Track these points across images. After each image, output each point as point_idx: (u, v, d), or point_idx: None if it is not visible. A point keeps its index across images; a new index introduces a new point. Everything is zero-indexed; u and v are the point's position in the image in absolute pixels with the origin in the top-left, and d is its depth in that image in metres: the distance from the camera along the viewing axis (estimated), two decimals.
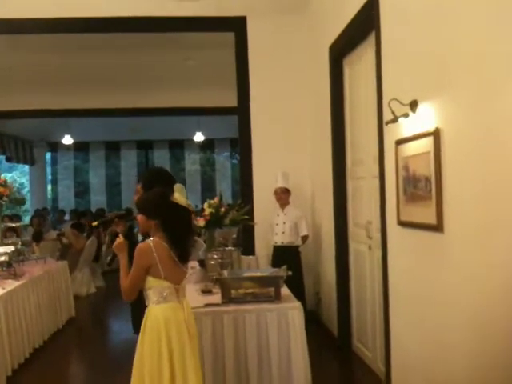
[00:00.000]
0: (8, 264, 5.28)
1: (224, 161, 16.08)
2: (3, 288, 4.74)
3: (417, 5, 3.11)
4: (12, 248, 5.34)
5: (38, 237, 7.86)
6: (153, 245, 2.77)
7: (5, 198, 5.61)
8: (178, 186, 3.04)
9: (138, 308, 2.96)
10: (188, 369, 2.76)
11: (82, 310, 7.18)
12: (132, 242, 3.01)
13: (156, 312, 2.78)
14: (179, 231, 2.84)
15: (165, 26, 6.09)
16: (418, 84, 3.08)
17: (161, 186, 3.06)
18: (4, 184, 5.56)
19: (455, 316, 2.74)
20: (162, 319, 2.76)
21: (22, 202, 6.36)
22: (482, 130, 2.43)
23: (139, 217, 2.89)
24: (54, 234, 9.15)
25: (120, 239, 2.93)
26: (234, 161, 15.99)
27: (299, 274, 5.49)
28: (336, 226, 5.16)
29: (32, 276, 5.42)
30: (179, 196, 2.95)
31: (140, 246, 2.81)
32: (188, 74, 8.30)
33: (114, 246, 2.94)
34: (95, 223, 3.65)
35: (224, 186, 14.62)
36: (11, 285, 4.91)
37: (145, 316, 2.83)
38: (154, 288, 2.79)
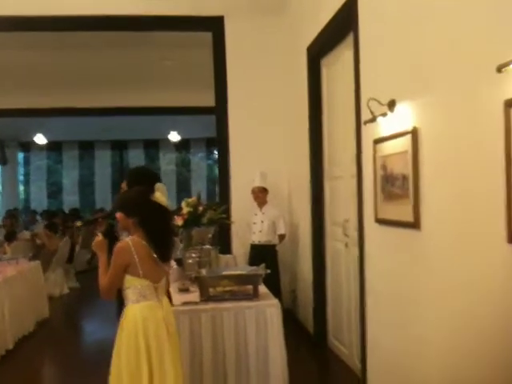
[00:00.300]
0: None
1: (199, 161, 16.03)
2: None
3: (394, 6, 3.17)
4: None
5: (10, 237, 7.72)
6: (132, 243, 2.75)
7: None
8: (159, 186, 3.01)
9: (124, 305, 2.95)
10: (166, 366, 2.75)
11: (56, 310, 7.06)
12: (112, 241, 2.97)
13: (134, 311, 2.76)
14: (159, 230, 2.83)
15: (140, 24, 6.04)
16: (395, 84, 3.14)
17: (146, 184, 3.04)
18: None
19: (431, 313, 2.79)
20: (139, 318, 2.74)
21: None
22: (459, 129, 2.49)
23: (118, 214, 2.87)
24: (26, 234, 8.98)
25: (99, 237, 2.90)
26: (210, 161, 15.97)
27: (276, 272, 5.50)
28: (313, 224, 5.20)
29: (5, 276, 5.33)
30: (160, 195, 2.93)
31: (119, 244, 2.78)
32: (164, 74, 8.26)
33: (93, 244, 2.91)
34: (79, 223, 3.64)
35: (199, 187, 14.55)
36: None
37: (123, 315, 2.81)
38: (133, 287, 2.76)
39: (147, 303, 2.77)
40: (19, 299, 5.64)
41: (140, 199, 2.86)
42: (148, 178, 3.36)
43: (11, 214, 11.56)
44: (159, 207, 2.88)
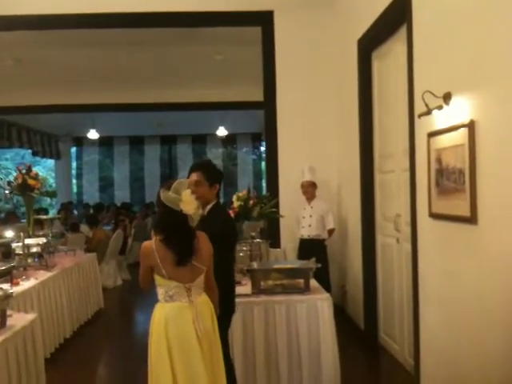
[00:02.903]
0: (39, 255, 5.40)
1: (245, 156, 16.13)
2: (36, 278, 4.84)
3: None
4: (44, 240, 5.45)
5: (74, 228, 8.08)
6: (155, 246, 2.70)
7: (36, 191, 5.72)
8: (183, 183, 2.75)
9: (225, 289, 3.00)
10: (194, 369, 2.67)
11: (110, 301, 7.28)
12: None
13: (159, 310, 2.75)
14: (165, 231, 2.71)
15: (190, 20, 6.14)
16: (451, 76, 3.08)
17: (218, 181, 3.13)
18: (35, 177, 5.67)
19: (488, 311, 2.74)
20: (163, 318, 2.71)
21: (53, 194, 6.48)
22: None
23: None
24: (83, 227, 9.28)
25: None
26: (254, 156, 16.05)
27: (325, 267, 5.49)
28: (363, 219, 5.17)
29: (63, 267, 5.53)
30: (186, 194, 2.68)
31: (144, 244, 2.78)
32: (214, 69, 8.34)
33: None
34: None
35: (245, 181, 14.66)
36: (43, 275, 5.01)
37: (153, 313, 2.81)
38: (160, 286, 2.75)
39: (174, 304, 2.72)
40: (76, 290, 5.85)
41: (158, 195, 2.75)
42: (220, 174, 3.29)
43: (66, 207, 11.96)
44: (171, 211, 2.67)
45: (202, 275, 2.77)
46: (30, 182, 5.63)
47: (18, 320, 3.34)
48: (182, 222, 2.68)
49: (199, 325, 2.70)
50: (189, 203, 2.66)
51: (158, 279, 2.73)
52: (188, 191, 2.69)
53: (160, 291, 2.76)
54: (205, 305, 2.81)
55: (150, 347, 2.78)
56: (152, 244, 2.72)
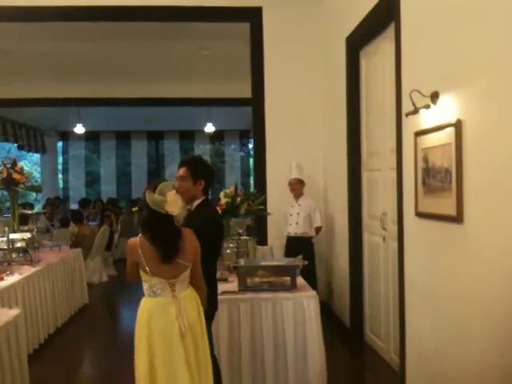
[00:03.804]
0: (24, 250, 5.35)
1: (233, 153, 16.10)
2: (20, 274, 4.79)
3: None
4: (28, 235, 5.40)
5: (64, 223, 8.06)
6: (139, 243, 2.75)
7: (21, 186, 5.66)
8: (168, 185, 2.77)
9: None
10: (177, 366, 2.70)
11: (95, 297, 7.24)
12: None
13: (144, 304, 2.81)
14: (147, 228, 2.77)
15: (179, 15, 6.10)
16: (439, 75, 3.09)
17: (207, 178, 3.15)
18: (21, 171, 5.61)
19: (473, 309, 2.76)
20: (146, 313, 2.77)
21: (38, 189, 6.42)
22: (505, 121, 2.44)
23: None
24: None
25: None
26: (242, 153, 16.03)
27: (312, 264, 5.50)
28: (350, 217, 5.18)
29: (48, 263, 5.49)
30: (172, 195, 2.73)
31: (129, 241, 2.83)
32: (201, 65, 8.30)
33: None
34: (136, 208, 3.65)
35: (233, 178, 14.64)
36: (28, 271, 4.97)
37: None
38: (145, 282, 2.80)
39: (158, 299, 2.77)
40: (61, 286, 5.81)
41: (144, 197, 2.77)
42: (208, 171, 3.29)
43: (51, 202, 11.86)
44: (147, 208, 2.74)
45: (186, 271, 2.80)
46: (15, 176, 5.57)
47: (1, 315, 3.32)
48: (166, 223, 2.73)
49: (183, 319, 2.73)
50: (174, 204, 2.71)
51: (142, 275, 2.79)
52: (173, 192, 2.74)
53: (145, 286, 2.82)
54: (190, 299, 2.84)
55: (134, 340, 2.83)
56: (137, 241, 2.77)
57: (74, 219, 8.76)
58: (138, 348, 2.77)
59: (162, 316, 2.75)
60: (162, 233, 2.74)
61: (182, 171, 3.19)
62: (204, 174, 3.22)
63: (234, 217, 4.59)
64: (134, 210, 3.67)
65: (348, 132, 5.20)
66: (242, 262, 3.97)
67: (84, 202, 12.13)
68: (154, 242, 2.73)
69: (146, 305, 2.80)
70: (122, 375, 4.45)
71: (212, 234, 3.10)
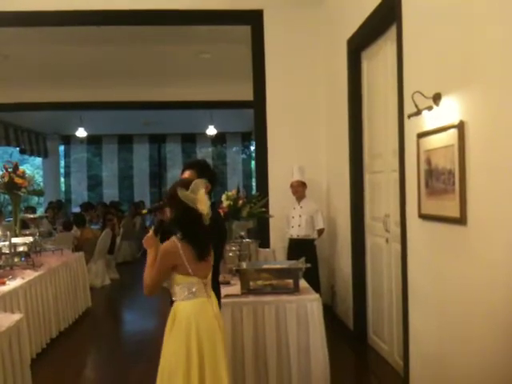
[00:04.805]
0: (26, 254, 5.34)
1: (235, 155, 16.10)
2: (22, 278, 4.78)
3: None
4: (30, 239, 5.39)
5: (67, 226, 8.06)
6: (179, 244, 2.69)
7: (23, 190, 5.66)
8: (198, 182, 2.80)
9: None
10: (220, 365, 2.68)
11: (98, 301, 7.24)
12: (164, 237, 2.88)
13: (185, 308, 2.70)
14: (185, 228, 2.73)
15: (180, 19, 6.11)
16: (441, 77, 3.08)
17: (211, 180, 3.11)
18: (22, 175, 5.61)
19: (477, 311, 2.74)
20: (192, 315, 2.68)
21: (40, 193, 6.42)
22: (507, 122, 2.43)
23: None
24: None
25: (150, 234, 2.82)
26: (244, 155, 16.03)
27: (315, 267, 5.48)
28: (352, 219, 5.17)
29: (50, 267, 5.48)
30: (201, 194, 2.74)
31: (165, 246, 2.72)
32: (202, 68, 8.31)
33: (143, 240, 2.83)
34: (145, 211, 3.61)
35: (234, 180, 14.65)
36: (30, 275, 4.96)
37: (172, 312, 2.74)
38: (182, 284, 2.71)
39: (198, 300, 2.71)
40: (64, 289, 5.79)
41: (174, 192, 2.74)
42: (213, 174, 3.31)
43: (53, 206, 11.86)
44: (184, 206, 2.70)
45: (211, 270, 2.84)
46: (17, 180, 5.57)
47: (3, 320, 3.30)
48: (200, 220, 2.73)
49: (219, 320, 2.78)
50: (204, 203, 2.73)
51: (178, 278, 2.71)
52: (203, 191, 2.74)
53: (180, 290, 2.72)
54: (216, 300, 2.87)
55: (168, 346, 2.71)
56: (175, 243, 2.69)
57: (76, 223, 8.77)
58: (178, 354, 2.64)
59: (204, 317, 2.71)
60: (198, 229, 2.73)
61: (189, 174, 3.21)
62: (210, 177, 3.23)
63: (236, 219, 4.58)
64: (143, 212, 3.61)
65: (350, 134, 5.19)
66: (244, 265, 3.95)
67: (86, 206, 12.13)
68: (191, 239, 2.70)
69: (184, 309, 2.70)
70: (125, 379, 4.45)
71: (215, 236, 3.09)
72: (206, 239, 2.77)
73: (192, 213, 2.70)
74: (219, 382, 2.67)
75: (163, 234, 2.86)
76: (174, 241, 2.71)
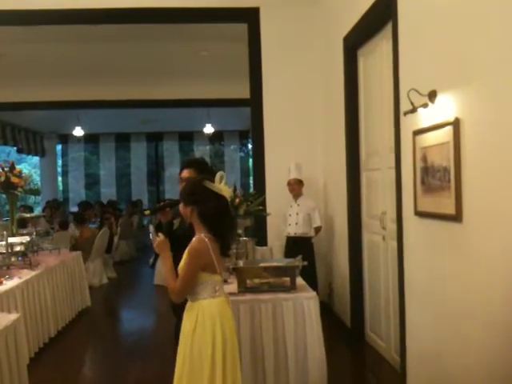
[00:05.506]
0: (23, 254, 5.34)
1: (232, 153, 16.10)
2: (19, 277, 4.78)
3: None
4: (27, 238, 5.39)
5: (64, 225, 8.05)
6: (208, 242, 2.59)
7: (20, 189, 5.65)
8: (222, 174, 2.77)
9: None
10: (238, 367, 2.67)
11: (96, 300, 7.23)
12: (174, 239, 2.84)
13: (210, 306, 2.62)
14: (217, 220, 2.63)
15: (177, 17, 6.10)
16: (436, 74, 3.08)
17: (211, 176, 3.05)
18: (19, 175, 5.61)
19: (473, 307, 2.75)
20: (217, 314, 2.61)
21: (37, 192, 6.41)
22: (503, 119, 2.43)
23: (180, 206, 2.73)
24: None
25: (160, 238, 2.74)
26: (242, 154, 16.02)
27: (312, 264, 5.51)
28: (349, 216, 5.17)
29: (47, 266, 5.47)
30: (224, 185, 2.72)
31: (196, 245, 2.60)
32: (199, 66, 8.30)
33: (155, 245, 2.74)
34: (148, 212, 3.55)
35: (232, 178, 14.65)
36: (27, 274, 4.95)
37: (193, 311, 2.64)
38: (206, 283, 2.62)
39: (220, 299, 2.66)
40: (61, 289, 5.79)
41: (196, 188, 2.70)
42: (212, 173, 3.31)
43: (51, 205, 11.85)
44: (216, 196, 2.65)
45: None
46: (14, 179, 5.56)
47: (0, 320, 3.29)
48: (228, 208, 2.72)
49: (234, 320, 2.77)
50: (228, 193, 2.74)
51: (204, 277, 2.61)
52: (224, 183, 2.73)
53: (205, 288, 2.62)
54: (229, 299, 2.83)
55: (193, 346, 2.60)
56: (205, 241, 2.59)
57: (76, 222, 8.75)
58: (203, 355, 2.56)
59: (226, 316, 2.66)
60: (229, 221, 2.71)
61: (188, 172, 3.21)
62: (208, 175, 3.22)
63: None
64: (146, 213, 3.54)
65: (347, 132, 5.19)
66: (241, 263, 3.95)
67: (84, 205, 12.11)
68: (220, 233, 2.63)
69: (208, 307, 2.61)
70: (123, 377, 4.45)
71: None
72: (230, 233, 2.75)
73: (222, 202, 2.66)
74: (237, 382, 2.64)
75: (172, 238, 2.80)
76: (203, 239, 2.60)
